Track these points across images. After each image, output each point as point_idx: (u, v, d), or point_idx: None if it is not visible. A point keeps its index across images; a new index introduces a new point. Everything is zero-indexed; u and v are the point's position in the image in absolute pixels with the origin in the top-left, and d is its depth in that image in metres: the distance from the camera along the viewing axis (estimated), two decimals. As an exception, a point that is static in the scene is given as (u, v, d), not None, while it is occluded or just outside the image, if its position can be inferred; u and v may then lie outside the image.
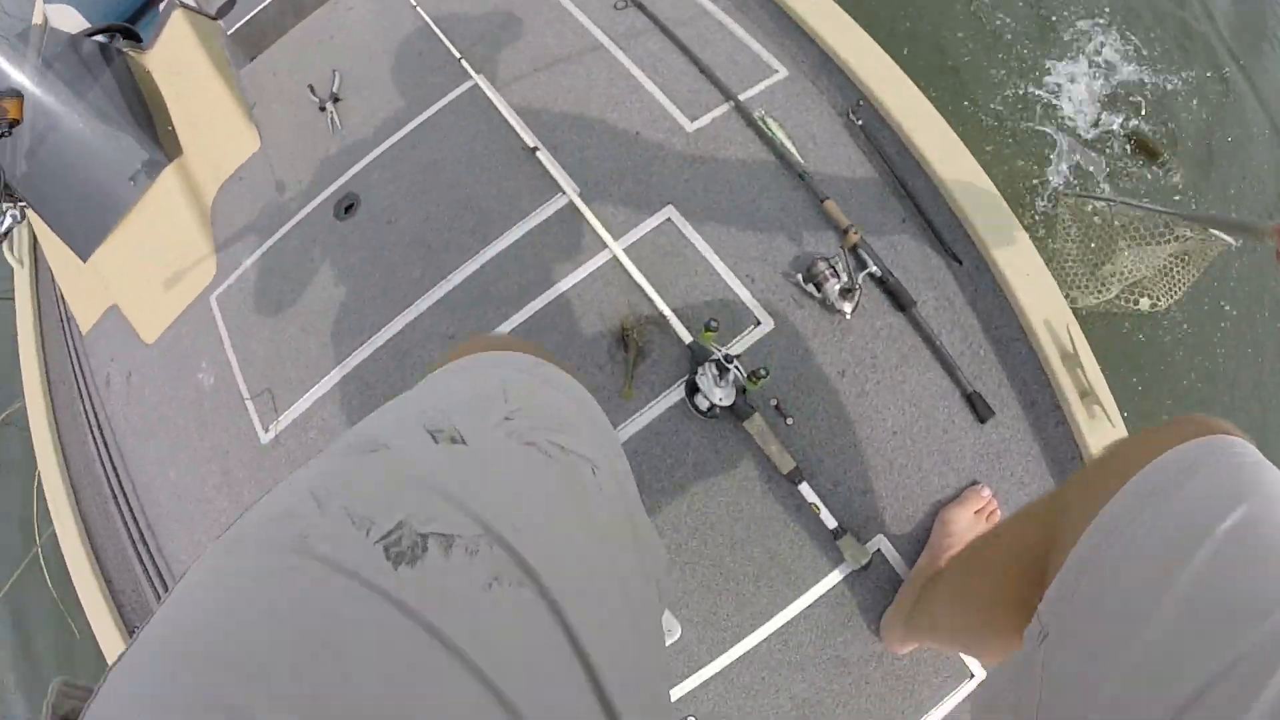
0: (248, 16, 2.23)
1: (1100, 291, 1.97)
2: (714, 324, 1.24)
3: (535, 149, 1.54)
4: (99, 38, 2.06)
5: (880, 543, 1.21)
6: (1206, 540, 0.39)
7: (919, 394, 1.29)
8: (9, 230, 1.89)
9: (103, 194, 1.90)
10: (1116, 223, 1.89)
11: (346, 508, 0.30)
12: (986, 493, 1.18)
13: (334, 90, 1.88)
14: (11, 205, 1.92)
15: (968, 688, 1.16)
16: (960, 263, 1.35)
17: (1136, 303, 1.93)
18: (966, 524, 1.13)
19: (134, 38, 2.23)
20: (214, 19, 2.22)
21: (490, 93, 1.66)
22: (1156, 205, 1.78)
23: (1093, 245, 1.95)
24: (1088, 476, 0.57)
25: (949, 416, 1.27)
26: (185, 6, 2.15)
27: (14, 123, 1.79)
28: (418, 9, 1.88)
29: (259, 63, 2.12)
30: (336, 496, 0.31)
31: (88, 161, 1.90)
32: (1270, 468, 0.44)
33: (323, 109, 1.85)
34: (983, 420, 1.25)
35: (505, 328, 1.45)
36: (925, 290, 1.35)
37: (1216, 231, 1.54)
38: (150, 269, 1.86)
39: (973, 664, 1.17)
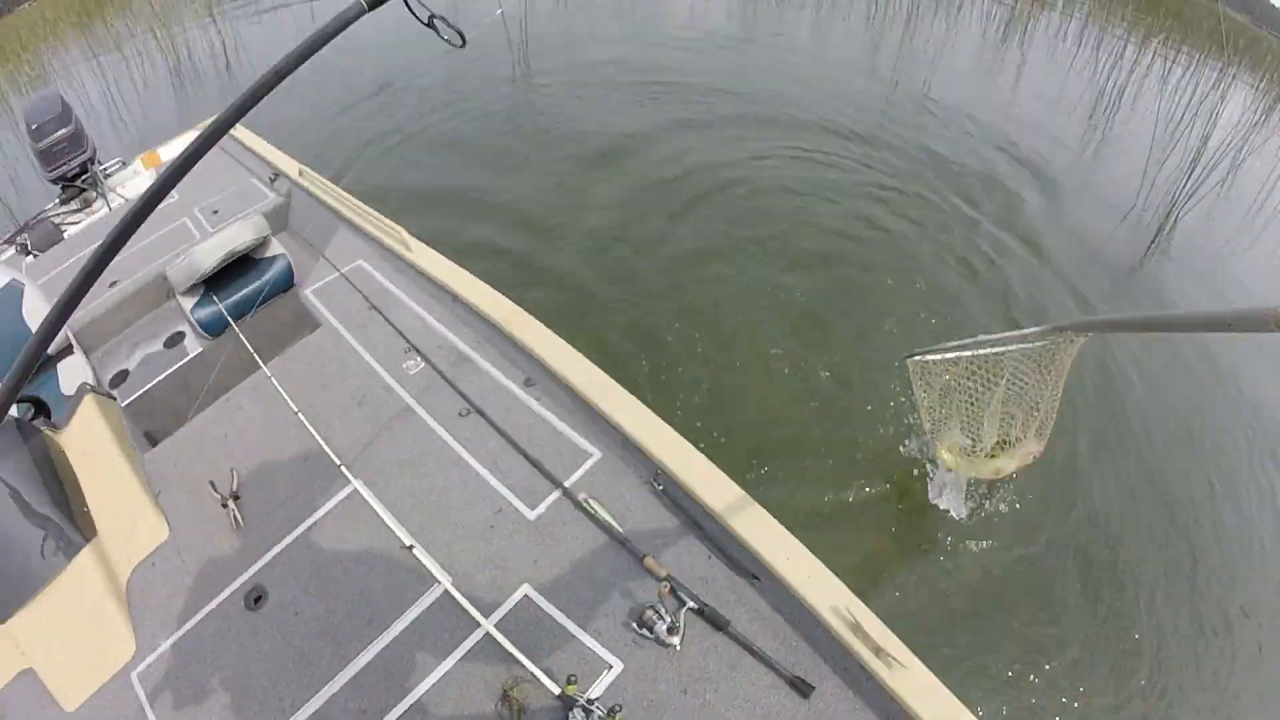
0: (138, 394, 2.47)
1: (975, 459, 2.49)
2: (574, 678, 1.50)
3: (411, 546, 1.87)
4: (13, 410, 2.21)
5: None
6: None
7: (750, 691, 1.56)
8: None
9: (18, 567, 1.95)
10: (949, 377, 2.39)
11: None
12: None
13: (234, 489, 2.12)
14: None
15: None
16: (758, 579, 1.73)
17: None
18: None
19: (44, 410, 2.44)
20: (111, 397, 2.47)
21: (369, 497, 2.01)
22: (977, 339, 2.30)
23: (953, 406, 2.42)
24: None
25: (779, 701, 1.54)
26: (95, 391, 2.41)
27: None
28: (299, 415, 2.25)
29: (160, 450, 2.35)
30: None
31: (5, 534, 1.99)
32: None
33: (224, 505, 2.06)
34: (805, 695, 1.53)
35: (405, 704, 1.62)
36: (736, 609, 1.69)
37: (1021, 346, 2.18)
38: (69, 640, 1.88)
39: None
